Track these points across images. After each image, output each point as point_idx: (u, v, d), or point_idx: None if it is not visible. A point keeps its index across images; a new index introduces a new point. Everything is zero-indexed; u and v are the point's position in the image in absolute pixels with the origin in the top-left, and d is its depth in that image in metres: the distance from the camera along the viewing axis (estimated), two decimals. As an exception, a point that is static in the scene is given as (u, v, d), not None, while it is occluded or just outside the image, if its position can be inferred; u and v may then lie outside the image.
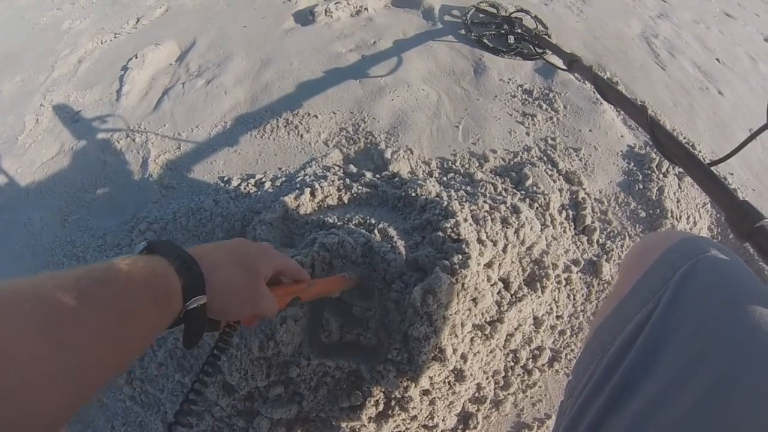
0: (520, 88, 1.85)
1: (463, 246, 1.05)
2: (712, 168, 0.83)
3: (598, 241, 1.42)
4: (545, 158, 1.58)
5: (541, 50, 1.95)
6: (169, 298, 0.46)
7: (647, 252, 0.63)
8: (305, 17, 2.25)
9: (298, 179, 1.40)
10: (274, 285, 0.70)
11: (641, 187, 1.55)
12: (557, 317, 1.28)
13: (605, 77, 1.90)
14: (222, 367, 1.00)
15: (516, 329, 1.18)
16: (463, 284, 1.02)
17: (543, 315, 1.24)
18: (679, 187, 1.57)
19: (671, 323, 0.50)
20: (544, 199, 1.39)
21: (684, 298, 0.51)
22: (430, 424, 1.08)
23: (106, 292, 0.40)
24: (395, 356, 0.98)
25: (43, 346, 0.33)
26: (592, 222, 1.44)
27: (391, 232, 1.12)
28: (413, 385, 1.00)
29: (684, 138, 1.79)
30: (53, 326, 0.35)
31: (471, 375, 1.09)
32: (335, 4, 2.21)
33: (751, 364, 0.43)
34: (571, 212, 1.44)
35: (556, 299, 1.28)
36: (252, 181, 1.50)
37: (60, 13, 2.92)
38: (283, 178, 1.48)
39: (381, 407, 1.02)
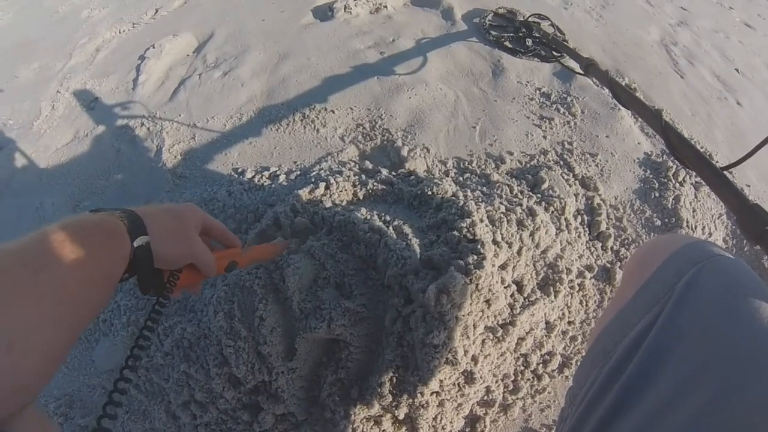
0: (538, 91, 1.83)
1: (479, 246, 1.03)
2: (724, 173, 0.82)
3: (612, 247, 1.41)
4: (561, 162, 1.57)
5: (558, 54, 1.94)
6: (120, 236, 0.52)
7: (651, 256, 0.61)
8: (324, 13, 2.25)
9: (313, 173, 1.40)
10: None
11: (657, 195, 1.53)
12: (569, 323, 1.27)
13: (623, 84, 1.88)
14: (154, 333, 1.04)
15: (527, 333, 1.17)
16: (477, 285, 1.00)
17: (555, 320, 1.23)
18: (696, 197, 1.55)
19: (676, 330, 0.49)
20: (560, 203, 1.37)
21: (689, 304, 0.50)
22: (438, 426, 1.07)
23: (71, 237, 0.45)
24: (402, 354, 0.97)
25: (29, 296, 0.39)
26: (607, 228, 1.42)
27: (406, 229, 1.11)
28: (425, 387, 0.99)
29: (701, 147, 1.77)
30: (39, 276, 0.40)
31: (481, 377, 1.07)
32: (354, 0, 2.21)
33: (756, 373, 0.42)
34: (586, 218, 1.43)
35: (569, 304, 1.26)
36: (266, 173, 1.49)
37: (79, 2, 2.94)
38: (298, 172, 1.47)
39: (388, 405, 1.01)
